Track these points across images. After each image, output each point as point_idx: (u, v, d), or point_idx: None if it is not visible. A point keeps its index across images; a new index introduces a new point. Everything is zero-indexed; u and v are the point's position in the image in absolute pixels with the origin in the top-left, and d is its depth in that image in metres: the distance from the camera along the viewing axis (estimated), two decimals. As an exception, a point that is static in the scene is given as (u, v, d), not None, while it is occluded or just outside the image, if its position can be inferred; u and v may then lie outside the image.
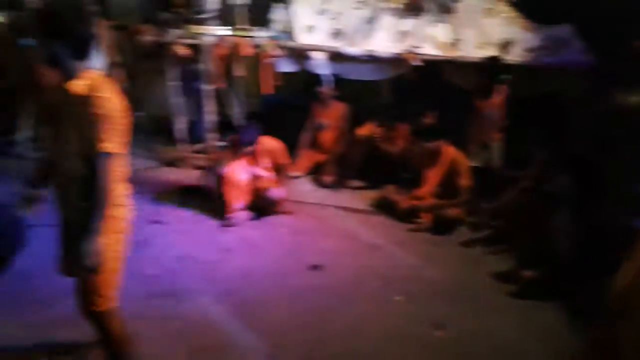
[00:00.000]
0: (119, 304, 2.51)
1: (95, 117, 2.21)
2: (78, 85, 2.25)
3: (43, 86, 5.11)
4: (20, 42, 5.43)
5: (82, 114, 2.22)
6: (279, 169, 5.03)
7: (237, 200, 4.82)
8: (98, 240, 2.28)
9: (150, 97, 6.32)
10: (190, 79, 6.01)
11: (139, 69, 5.99)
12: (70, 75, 2.27)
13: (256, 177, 4.92)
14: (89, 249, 2.27)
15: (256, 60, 5.81)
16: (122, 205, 2.44)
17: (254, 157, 4.94)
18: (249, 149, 4.91)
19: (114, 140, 2.25)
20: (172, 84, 5.83)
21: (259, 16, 6.03)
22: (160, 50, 5.66)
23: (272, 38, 5.79)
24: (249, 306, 3.58)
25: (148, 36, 5.67)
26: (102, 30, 5.47)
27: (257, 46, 5.76)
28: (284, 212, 5.00)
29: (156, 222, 4.65)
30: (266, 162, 4.97)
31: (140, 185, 5.09)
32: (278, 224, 4.88)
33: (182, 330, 3.25)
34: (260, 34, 5.81)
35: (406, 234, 4.82)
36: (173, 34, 5.58)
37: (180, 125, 6.09)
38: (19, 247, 3.46)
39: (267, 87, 5.69)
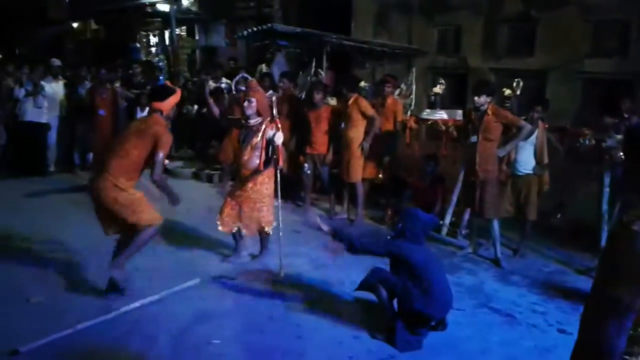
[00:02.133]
0: None
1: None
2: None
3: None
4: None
5: None
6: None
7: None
8: None
9: (573, 200, 6.11)
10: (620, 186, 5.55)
11: (567, 170, 5.88)
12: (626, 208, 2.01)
13: None
14: None
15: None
16: None
17: None
18: None
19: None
20: (604, 189, 5.51)
21: None
22: (596, 154, 5.44)
23: None
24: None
25: (587, 139, 5.55)
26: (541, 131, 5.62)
27: None
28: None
29: (561, 331, 4.37)
30: None
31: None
32: None
33: None
34: None
35: None
36: (615, 139, 5.31)
37: (604, 232, 5.65)
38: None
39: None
